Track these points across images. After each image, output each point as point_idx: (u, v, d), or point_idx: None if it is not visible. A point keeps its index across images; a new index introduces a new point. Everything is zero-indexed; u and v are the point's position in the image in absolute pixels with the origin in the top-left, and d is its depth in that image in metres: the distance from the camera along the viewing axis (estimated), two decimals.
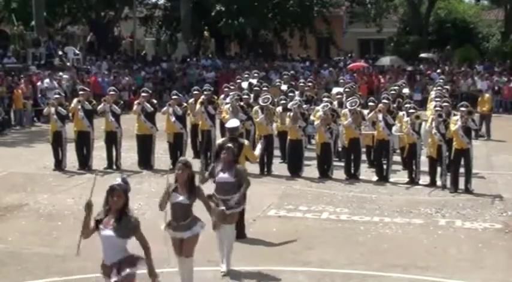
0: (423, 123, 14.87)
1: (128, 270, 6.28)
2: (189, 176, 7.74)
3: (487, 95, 22.88)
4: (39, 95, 24.98)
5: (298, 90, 19.09)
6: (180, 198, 7.73)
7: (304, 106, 16.65)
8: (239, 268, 9.06)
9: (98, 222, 6.33)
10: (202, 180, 8.83)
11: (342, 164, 15.35)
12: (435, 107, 14.84)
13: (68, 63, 30.09)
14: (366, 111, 15.38)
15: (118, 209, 6.26)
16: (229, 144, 9.41)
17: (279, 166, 15.86)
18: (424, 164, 14.62)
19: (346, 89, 18.11)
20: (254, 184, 10.48)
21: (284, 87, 20.19)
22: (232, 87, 18.66)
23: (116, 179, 6.44)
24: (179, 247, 7.80)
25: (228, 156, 8.95)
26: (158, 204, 7.81)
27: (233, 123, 10.77)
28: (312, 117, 16.04)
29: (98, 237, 6.37)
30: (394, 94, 17.77)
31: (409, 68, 32.88)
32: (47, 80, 25.43)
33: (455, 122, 13.42)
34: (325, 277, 8.83)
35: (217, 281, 8.70)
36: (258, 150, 10.76)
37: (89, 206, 6.35)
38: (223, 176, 8.90)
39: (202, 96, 16.38)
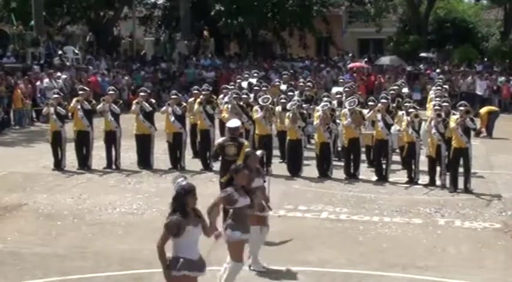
0: (423, 122, 14.87)
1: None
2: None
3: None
4: (39, 95, 24.98)
5: (297, 89, 19.09)
6: (247, 201, 8.02)
7: (304, 106, 16.66)
8: None
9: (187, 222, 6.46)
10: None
11: (342, 163, 15.35)
12: (434, 106, 14.84)
13: (68, 63, 30.05)
14: (365, 111, 15.39)
15: (194, 208, 6.50)
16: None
17: (278, 166, 15.85)
18: (423, 164, 14.62)
19: (346, 89, 18.12)
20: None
21: (283, 86, 20.19)
22: (231, 87, 18.66)
23: (177, 181, 6.51)
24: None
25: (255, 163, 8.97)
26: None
27: (234, 123, 10.79)
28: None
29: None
30: (393, 94, 17.78)
31: (409, 68, 32.88)
32: (46, 80, 25.42)
33: (455, 121, 13.42)
34: (325, 277, 8.84)
35: (217, 281, 8.69)
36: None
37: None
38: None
39: (201, 96, 16.38)
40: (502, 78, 29.56)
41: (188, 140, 16.55)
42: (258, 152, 10.84)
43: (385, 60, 35.31)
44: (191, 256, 6.51)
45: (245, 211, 7.95)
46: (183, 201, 6.41)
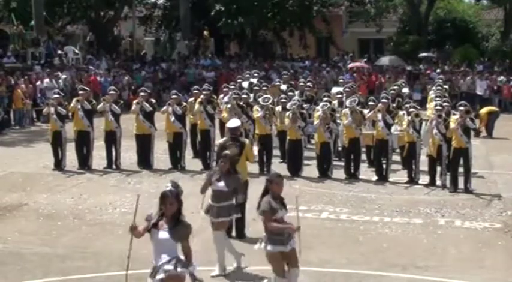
0: (423, 122, 14.87)
1: (180, 270, 6.36)
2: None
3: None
4: (39, 95, 24.98)
5: (298, 89, 19.09)
6: (283, 211, 7.78)
7: (304, 106, 16.66)
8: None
9: (154, 225, 6.43)
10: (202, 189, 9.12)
11: (342, 163, 15.35)
12: (435, 106, 14.84)
13: (68, 63, 30.07)
14: (366, 111, 15.39)
15: (173, 215, 6.36)
16: (227, 152, 9.37)
17: (278, 166, 15.83)
18: (423, 164, 14.61)
19: (346, 89, 18.12)
20: (254, 184, 10.49)
21: (284, 86, 20.19)
22: (232, 87, 18.66)
23: (166, 185, 6.47)
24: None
25: (225, 165, 8.97)
26: None
27: (234, 123, 10.79)
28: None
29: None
30: (393, 94, 17.78)
31: (409, 68, 32.87)
32: (46, 80, 25.43)
33: (455, 121, 13.42)
34: (325, 277, 8.84)
35: (217, 280, 8.70)
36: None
37: (132, 229, 6.62)
38: (219, 184, 8.96)
39: (202, 96, 16.38)
40: (502, 78, 29.54)
41: (188, 140, 16.55)
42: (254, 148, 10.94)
43: (385, 60, 35.31)
44: (155, 260, 6.46)
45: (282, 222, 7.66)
46: (160, 206, 6.44)
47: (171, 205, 6.32)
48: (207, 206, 9.15)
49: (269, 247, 7.58)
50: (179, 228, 6.36)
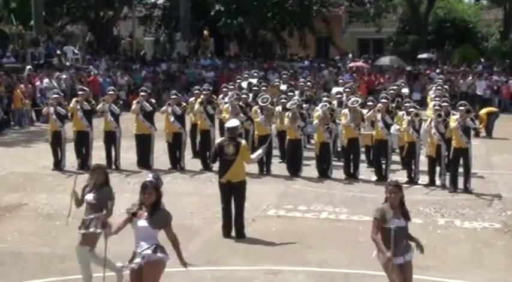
0: (423, 122, 14.87)
1: (160, 255, 6.77)
2: (401, 198, 7.19)
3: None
4: (39, 95, 24.97)
5: (297, 89, 19.09)
6: (400, 223, 7.23)
7: (304, 106, 16.66)
8: (239, 268, 9.06)
9: (133, 215, 6.84)
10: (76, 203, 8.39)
11: (341, 163, 15.35)
12: (434, 106, 14.84)
13: (67, 63, 30.06)
14: (365, 111, 15.38)
15: (151, 204, 6.76)
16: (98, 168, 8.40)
17: (278, 166, 15.85)
18: (423, 164, 14.61)
19: (346, 89, 18.12)
20: (253, 184, 10.49)
21: (283, 86, 20.19)
22: (231, 87, 18.66)
23: (148, 175, 6.98)
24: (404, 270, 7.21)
25: (99, 178, 8.17)
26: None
27: (233, 123, 10.77)
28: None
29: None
30: (393, 94, 17.79)
31: (409, 68, 32.88)
32: (46, 80, 25.41)
33: (455, 121, 13.42)
34: (325, 277, 8.84)
35: (216, 281, 8.70)
36: (255, 155, 10.78)
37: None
38: (90, 196, 8.18)
39: (202, 96, 16.37)
40: (502, 78, 29.55)
41: (188, 140, 16.55)
42: (259, 150, 10.88)
43: (385, 60, 35.33)
44: (136, 247, 6.87)
45: (396, 233, 7.17)
46: (140, 195, 6.86)
47: (149, 195, 6.75)
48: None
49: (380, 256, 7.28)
50: (157, 216, 6.76)
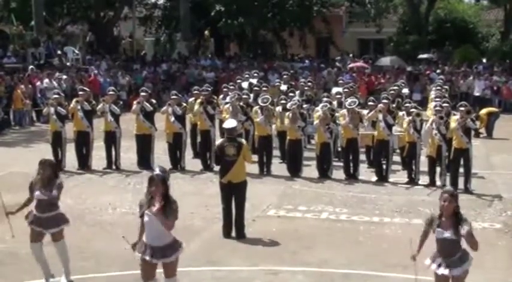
0: (424, 123, 14.87)
1: (173, 257, 7.02)
2: (455, 208, 6.82)
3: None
4: (39, 95, 24.98)
5: (298, 90, 19.08)
6: (447, 234, 6.92)
7: (305, 106, 16.66)
8: (239, 268, 9.06)
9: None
10: None
11: (342, 164, 15.34)
12: (435, 107, 14.84)
13: (68, 63, 30.06)
14: (365, 111, 15.38)
15: (162, 195, 6.89)
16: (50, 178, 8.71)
17: (278, 166, 15.85)
18: (423, 164, 14.61)
19: (346, 89, 18.11)
20: (254, 184, 10.50)
21: (284, 87, 20.20)
22: (231, 87, 18.66)
23: (155, 169, 7.16)
24: None
25: (44, 173, 8.49)
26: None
27: (230, 123, 10.76)
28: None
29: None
30: (393, 94, 17.78)
31: (409, 68, 32.88)
32: (46, 80, 25.42)
33: (456, 121, 13.42)
34: (325, 277, 8.83)
35: (216, 281, 8.70)
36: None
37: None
38: (39, 193, 8.46)
39: (202, 97, 16.37)
40: (503, 79, 29.54)
41: (188, 140, 16.55)
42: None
43: (385, 60, 35.32)
44: (147, 240, 7.03)
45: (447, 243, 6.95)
46: (148, 189, 7.05)
47: (157, 186, 6.89)
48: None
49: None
50: (167, 207, 6.89)
